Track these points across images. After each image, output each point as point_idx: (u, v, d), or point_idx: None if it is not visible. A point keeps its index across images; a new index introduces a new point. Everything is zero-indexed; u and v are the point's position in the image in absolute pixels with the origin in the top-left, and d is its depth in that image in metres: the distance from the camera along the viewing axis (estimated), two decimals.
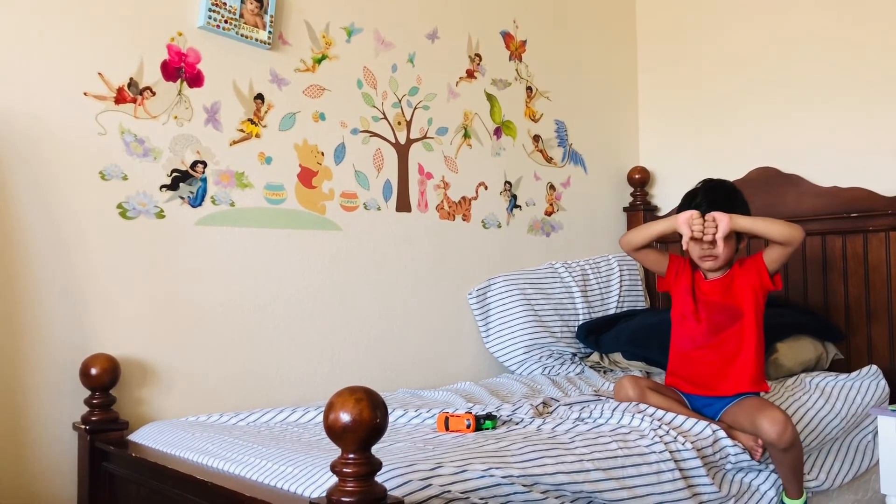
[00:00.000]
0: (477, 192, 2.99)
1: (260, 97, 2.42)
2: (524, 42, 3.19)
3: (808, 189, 3.03)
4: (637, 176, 3.46)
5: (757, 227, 2.05)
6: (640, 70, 3.64)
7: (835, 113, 3.02)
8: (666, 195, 3.50)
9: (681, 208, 2.17)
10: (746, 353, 2.07)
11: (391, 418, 1.98)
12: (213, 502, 1.55)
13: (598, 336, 2.91)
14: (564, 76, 3.33)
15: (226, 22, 2.30)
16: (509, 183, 3.10)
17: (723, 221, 2.03)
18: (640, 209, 3.46)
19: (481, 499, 1.46)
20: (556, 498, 1.58)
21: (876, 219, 2.85)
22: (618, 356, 2.88)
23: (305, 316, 2.48)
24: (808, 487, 2.13)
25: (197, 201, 2.28)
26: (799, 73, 3.12)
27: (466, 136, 2.96)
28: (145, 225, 2.18)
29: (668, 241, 3.37)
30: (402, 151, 2.77)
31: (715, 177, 2.27)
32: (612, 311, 3.11)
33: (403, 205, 2.76)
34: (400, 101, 2.77)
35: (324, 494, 1.24)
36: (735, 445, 1.95)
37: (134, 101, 2.17)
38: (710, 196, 2.13)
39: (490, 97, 3.05)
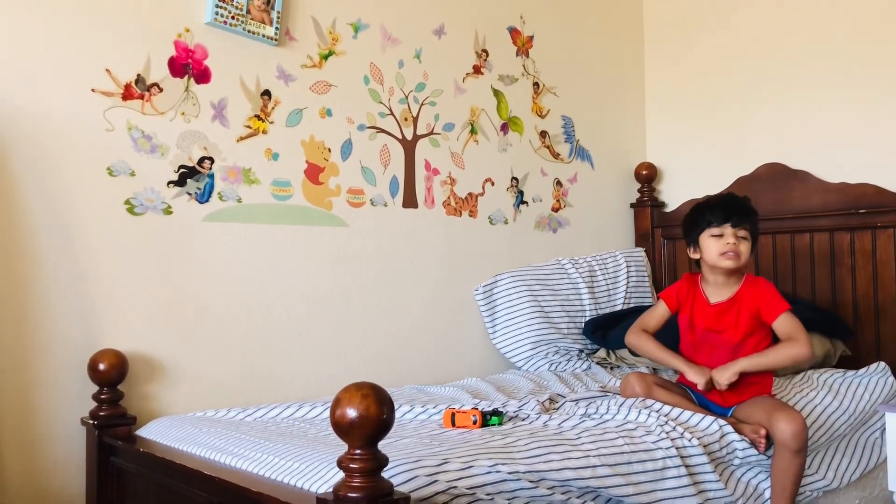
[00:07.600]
0: (483, 188, 2.98)
1: (267, 93, 2.42)
2: (531, 38, 3.18)
3: (816, 185, 3.02)
4: (644, 172, 3.45)
5: (758, 367, 2.03)
6: (647, 66, 3.63)
7: (843, 108, 3.01)
8: (673, 191, 3.49)
9: (691, 217, 2.15)
10: (747, 376, 2.04)
11: (398, 414, 1.97)
12: (220, 497, 1.56)
13: (605, 332, 2.91)
14: (571, 72, 3.33)
15: (233, 18, 2.31)
16: (516, 179, 3.09)
17: (723, 377, 2.00)
18: (648, 205, 3.46)
19: (487, 495, 1.46)
20: (563, 494, 1.58)
21: (884, 215, 2.84)
22: (624, 352, 2.88)
23: (312, 311, 2.48)
24: (816, 487, 2.12)
25: (204, 197, 2.28)
26: (806, 70, 3.10)
27: (473, 132, 2.96)
28: (153, 221, 2.18)
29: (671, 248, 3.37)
30: (409, 147, 2.77)
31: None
32: (619, 308, 3.10)
33: (410, 201, 2.76)
34: (406, 96, 2.76)
35: (330, 490, 1.24)
36: (742, 440, 1.94)
37: (141, 97, 2.18)
38: (724, 200, 2.12)
39: (497, 93, 3.05)
